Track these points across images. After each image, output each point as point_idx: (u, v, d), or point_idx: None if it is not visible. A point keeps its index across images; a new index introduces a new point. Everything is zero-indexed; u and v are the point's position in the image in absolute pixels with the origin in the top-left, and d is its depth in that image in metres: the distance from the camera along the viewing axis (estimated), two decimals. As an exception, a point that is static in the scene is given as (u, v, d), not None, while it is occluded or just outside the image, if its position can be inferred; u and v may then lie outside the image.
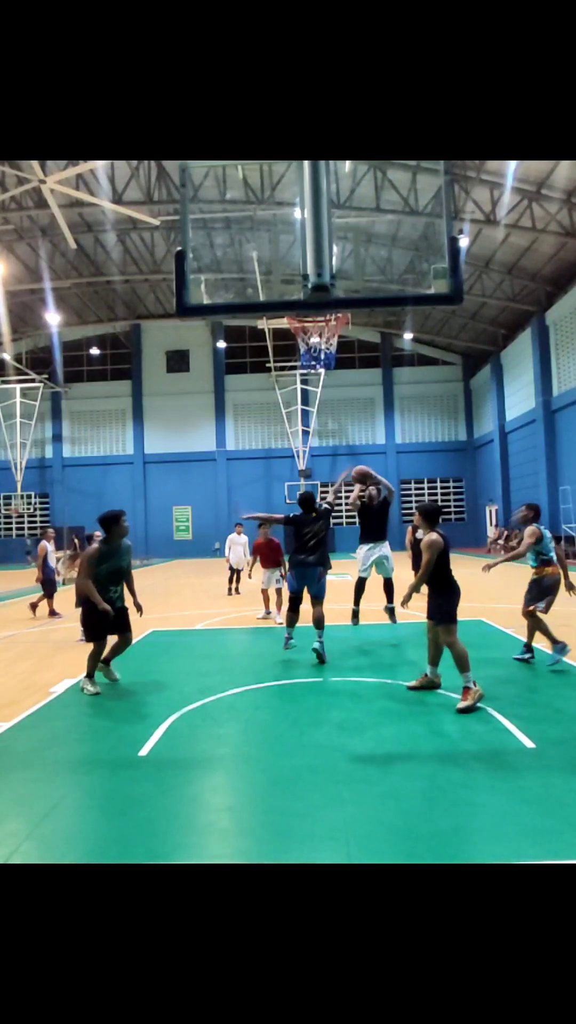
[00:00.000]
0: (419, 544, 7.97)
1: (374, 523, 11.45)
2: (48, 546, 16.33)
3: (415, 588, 7.73)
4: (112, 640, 8.89)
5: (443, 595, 7.70)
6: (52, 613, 16.17)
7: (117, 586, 8.65)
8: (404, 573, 8.67)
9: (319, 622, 9.99)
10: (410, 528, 8.28)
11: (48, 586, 16.26)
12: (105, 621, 8.40)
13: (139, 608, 8.91)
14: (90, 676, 8.56)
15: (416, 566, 8.01)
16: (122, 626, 8.76)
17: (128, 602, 8.86)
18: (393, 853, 4.28)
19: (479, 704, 7.34)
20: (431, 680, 8.13)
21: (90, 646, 8.74)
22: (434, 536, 7.72)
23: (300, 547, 10.19)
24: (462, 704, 7.35)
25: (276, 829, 4.75)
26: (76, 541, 31.03)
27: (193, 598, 19.62)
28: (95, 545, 8.54)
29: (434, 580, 7.73)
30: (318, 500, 10.66)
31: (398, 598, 8.86)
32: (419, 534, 8.06)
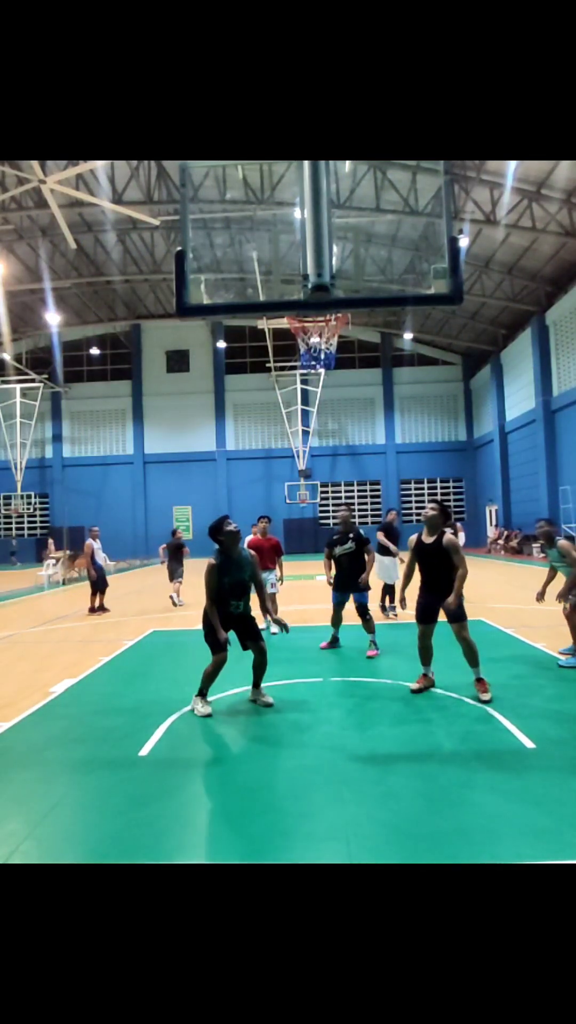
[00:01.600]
0: (425, 548, 7.91)
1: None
2: (94, 544, 16.64)
3: (459, 593, 7.68)
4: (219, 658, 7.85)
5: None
6: (96, 609, 16.50)
7: (240, 600, 7.73)
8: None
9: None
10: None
11: (99, 583, 16.73)
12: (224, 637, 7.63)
13: (282, 625, 8.13)
14: (202, 694, 7.70)
15: (426, 569, 7.96)
16: (250, 634, 7.86)
17: (256, 611, 8.00)
18: (394, 853, 4.29)
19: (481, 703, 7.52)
20: (431, 679, 8.16)
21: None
22: (454, 537, 7.86)
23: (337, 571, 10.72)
24: (486, 696, 7.62)
25: (276, 829, 4.76)
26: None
27: (193, 598, 19.59)
28: (210, 560, 7.60)
29: (445, 581, 7.77)
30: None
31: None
32: (424, 537, 8.00)
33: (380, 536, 14.39)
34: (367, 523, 47.28)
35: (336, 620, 10.83)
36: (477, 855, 4.23)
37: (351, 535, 10.43)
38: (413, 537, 8.14)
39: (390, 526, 14.57)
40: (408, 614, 12.47)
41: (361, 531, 10.59)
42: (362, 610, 10.32)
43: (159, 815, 5.01)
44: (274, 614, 13.29)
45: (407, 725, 6.96)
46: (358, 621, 10.45)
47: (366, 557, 10.39)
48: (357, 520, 46.42)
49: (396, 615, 14.20)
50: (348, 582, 10.42)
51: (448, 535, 7.82)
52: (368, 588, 10.35)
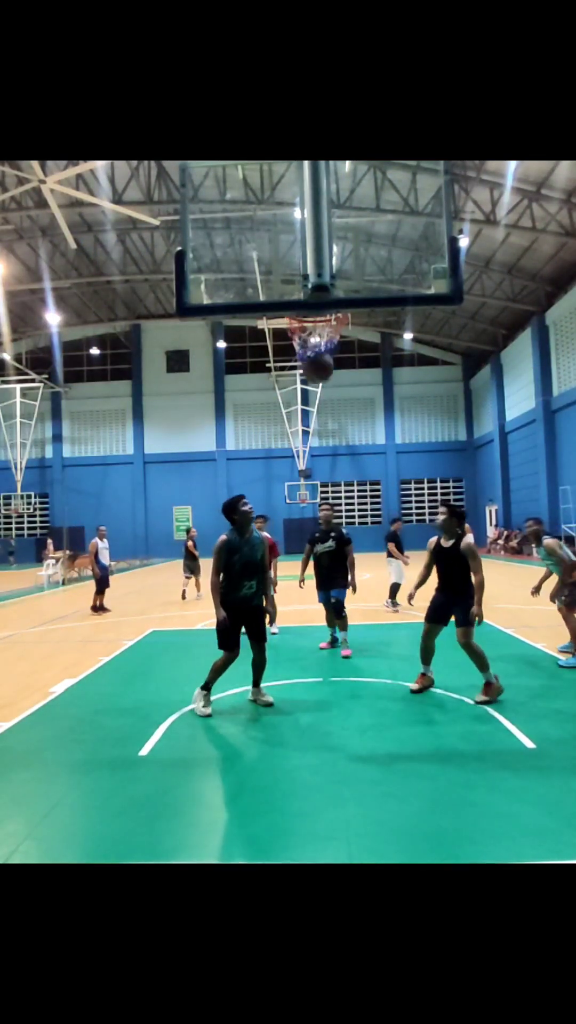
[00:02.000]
0: (444, 552, 7.90)
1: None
2: (100, 543, 16.64)
3: (480, 602, 7.60)
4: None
5: (470, 597, 7.66)
6: (97, 609, 16.44)
7: (252, 580, 7.58)
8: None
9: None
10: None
11: (102, 582, 16.75)
12: (234, 626, 7.49)
13: (271, 615, 8.06)
14: (207, 687, 7.63)
15: (443, 571, 7.93)
16: (256, 633, 7.75)
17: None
18: (394, 853, 4.29)
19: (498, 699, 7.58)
20: (430, 679, 8.16)
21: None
22: (472, 542, 7.83)
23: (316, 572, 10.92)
24: (482, 697, 7.60)
25: (277, 829, 4.76)
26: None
27: (193, 598, 19.63)
28: (222, 536, 7.50)
29: (462, 583, 7.76)
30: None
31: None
32: (443, 541, 7.93)
33: (391, 547, 15.27)
34: (367, 523, 47.36)
35: (330, 620, 10.85)
36: (477, 855, 4.23)
37: (332, 534, 10.50)
38: (433, 540, 8.06)
39: (395, 535, 15.48)
40: (408, 613, 12.47)
41: (344, 531, 10.67)
42: (338, 607, 10.49)
43: (159, 815, 5.01)
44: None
45: (407, 725, 6.96)
46: (357, 620, 10.44)
47: (348, 557, 10.56)
48: (344, 519, 46.65)
49: (397, 609, 15.02)
50: (328, 580, 10.58)
51: (467, 539, 7.78)
52: (355, 589, 10.55)
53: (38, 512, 49.25)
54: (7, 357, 44.86)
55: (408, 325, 45.62)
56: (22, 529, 50.05)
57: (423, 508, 47.72)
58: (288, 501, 45.35)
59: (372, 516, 48.08)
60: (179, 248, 5.58)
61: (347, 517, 47.62)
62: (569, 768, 5.64)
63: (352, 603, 10.47)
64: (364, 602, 10.77)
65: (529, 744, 6.24)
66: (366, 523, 47.55)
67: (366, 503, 48.66)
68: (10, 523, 49.63)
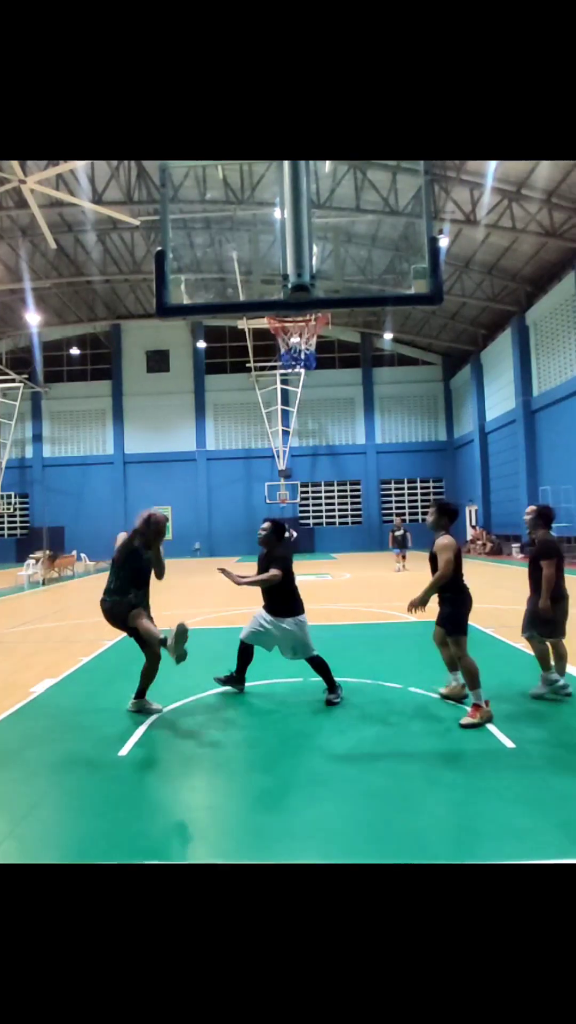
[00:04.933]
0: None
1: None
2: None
3: (426, 592, 7.10)
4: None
5: (447, 602, 7.34)
6: None
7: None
8: (423, 575, 7.81)
9: None
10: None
11: None
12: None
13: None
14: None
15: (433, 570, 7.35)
16: (139, 640, 7.82)
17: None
18: (371, 852, 4.30)
19: (486, 725, 6.83)
20: (454, 686, 7.83)
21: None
22: (449, 538, 7.28)
23: None
24: (467, 720, 6.87)
25: (254, 828, 4.77)
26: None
27: (174, 599, 19.57)
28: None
29: (446, 586, 7.27)
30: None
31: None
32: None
33: None
34: (347, 523, 47.52)
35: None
36: (457, 855, 4.25)
37: None
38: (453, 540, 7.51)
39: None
40: (391, 614, 12.48)
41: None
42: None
43: (138, 815, 5.01)
44: None
45: (386, 725, 6.98)
46: (341, 620, 10.43)
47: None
48: (324, 520, 46.56)
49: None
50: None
51: (447, 537, 7.34)
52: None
53: (18, 512, 49.07)
54: (-14, 357, 44.67)
55: (388, 325, 45.67)
56: (2, 529, 49.84)
57: (403, 508, 47.82)
58: (268, 501, 45.29)
59: (352, 516, 48.11)
60: (159, 248, 5.58)
61: (327, 517, 47.79)
62: (548, 767, 5.67)
63: (334, 602, 10.42)
64: (349, 602, 10.74)
65: (509, 744, 6.26)
66: (347, 523, 47.66)
67: (346, 503, 48.69)
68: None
